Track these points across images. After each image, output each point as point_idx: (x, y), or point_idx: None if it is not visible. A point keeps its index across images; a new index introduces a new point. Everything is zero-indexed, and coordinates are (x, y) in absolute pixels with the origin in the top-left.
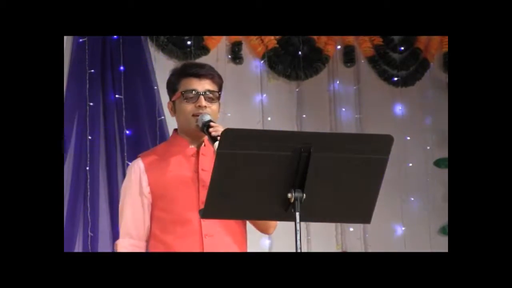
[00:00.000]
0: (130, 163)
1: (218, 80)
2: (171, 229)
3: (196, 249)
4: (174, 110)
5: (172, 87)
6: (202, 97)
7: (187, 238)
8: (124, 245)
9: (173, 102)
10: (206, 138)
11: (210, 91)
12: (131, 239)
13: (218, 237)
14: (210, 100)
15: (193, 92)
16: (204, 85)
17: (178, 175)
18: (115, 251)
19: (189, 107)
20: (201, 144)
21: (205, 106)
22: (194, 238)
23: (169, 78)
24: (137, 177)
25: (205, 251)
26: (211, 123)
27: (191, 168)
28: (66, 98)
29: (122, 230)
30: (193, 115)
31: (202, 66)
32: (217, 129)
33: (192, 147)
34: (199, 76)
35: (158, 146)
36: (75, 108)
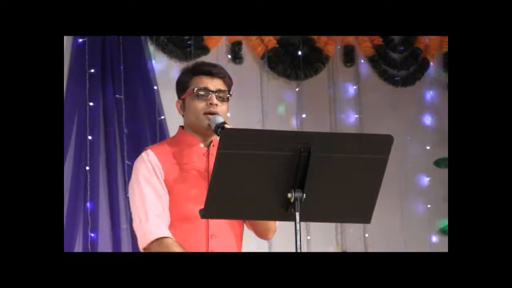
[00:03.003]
0: (129, 162)
1: (228, 81)
2: (177, 225)
3: (200, 248)
4: (183, 108)
5: (182, 85)
6: (213, 95)
7: (192, 236)
8: (156, 225)
9: (183, 100)
10: (214, 138)
11: (222, 91)
12: (161, 221)
13: (223, 239)
14: (221, 99)
15: (205, 90)
16: (216, 84)
17: (189, 172)
18: (146, 240)
19: (201, 104)
20: (210, 144)
21: (216, 105)
22: (200, 236)
23: (179, 76)
24: (155, 163)
25: (210, 250)
26: (225, 125)
27: (201, 167)
28: (66, 98)
29: (150, 213)
30: (204, 113)
31: (214, 65)
32: None
33: (203, 147)
34: (211, 74)
35: (166, 141)
36: (75, 108)
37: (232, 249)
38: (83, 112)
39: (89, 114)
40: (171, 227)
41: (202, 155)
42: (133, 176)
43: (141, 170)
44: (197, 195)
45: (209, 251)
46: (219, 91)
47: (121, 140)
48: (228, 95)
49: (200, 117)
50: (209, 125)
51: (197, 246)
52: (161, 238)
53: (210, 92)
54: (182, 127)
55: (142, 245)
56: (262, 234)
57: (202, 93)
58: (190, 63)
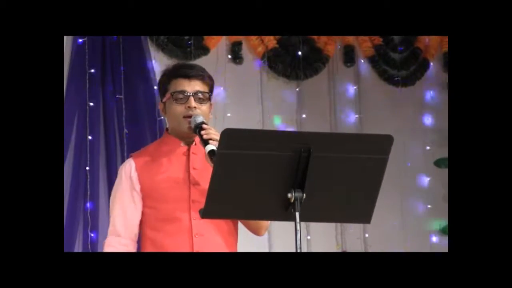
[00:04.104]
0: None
1: (208, 81)
2: (160, 227)
3: (186, 248)
4: (165, 111)
5: (162, 88)
6: (192, 98)
7: (176, 237)
8: (113, 244)
9: (164, 103)
10: (197, 137)
11: (200, 92)
12: (119, 238)
13: (208, 237)
14: (200, 101)
15: (183, 93)
16: (194, 86)
17: (169, 174)
18: (103, 250)
19: (179, 108)
20: (191, 143)
21: (195, 107)
22: (184, 237)
23: (160, 79)
24: (128, 175)
25: (195, 250)
26: (203, 125)
27: (182, 167)
28: (66, 98)
29: (111, 228)
30: (184, 117)
31: (192, 67)
32: (208, 132)
33: (183, 146)
34: (188, 77)
35: (150, 145)
36: (75, 108)
37: (219, 247)
38: (83, 112)
39: (89, 114)
40: (154, 229)
41: (182, 155)
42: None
43: (116, 184)
44: (176, 196)
45: (194, 249)
46: (197, 92)
47: (121, 140)
48: (209, 95)
49: (180, 121)
50: (189, 127)
51: (182, 245)
52: None
53: (188, 95)
54: (167, 129)
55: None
56: (254, 231)
57: (180, 96)
58: (170, 65)
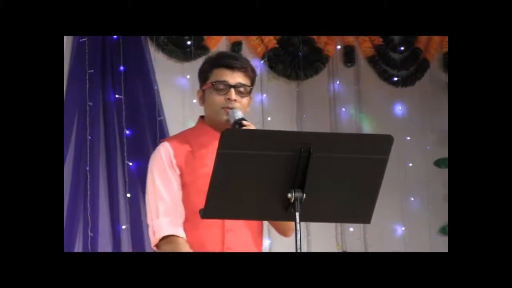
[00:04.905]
0: (130, 163)
1: (251, 73)
2: (192, 219)
3: (217, 243)
4: (203, 100)
5: (203, 76)
6: (232, 90)
7: (208, 230)
8: (176, 222)
9: (203, 91)
10: None
11: (242, 85)
12: (180, 220)
13: (238, 233)
14: (240, 94)
15: (224, 84)
16: (236, 77)
17: (205, 167)
18: (156, 237)
19: (219, 99)
20: None
21: (235, 100)
22: (216, 231)
23: (201, 65)
24: (168, 158)
25: (225, 246)
26: (243, 122)
27: None
28: (66, 98)
29: (164, 208)
30: (223, 108)
31: (236, 57)
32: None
33: None
34: (232, 68)
35: (185, 132)
36: (75, 108)
37: (249, 243)
38: (83, 112)
39: (89, 114)
40: (186, 221)
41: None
42: (148, 170)
43: (156, 164)
44: None
45: (225, 245)
46: (239, 85)
47: (121, 140)
48: (250, 89)
49: (219, 111)
50: (227, 120)
51: (213, 240)
52: (170, 236)
53: (229, 87)
54: (202, 117)
55: (152, 242)
56: (281, 232)
57: (220, 87)
58: (214, 53)
